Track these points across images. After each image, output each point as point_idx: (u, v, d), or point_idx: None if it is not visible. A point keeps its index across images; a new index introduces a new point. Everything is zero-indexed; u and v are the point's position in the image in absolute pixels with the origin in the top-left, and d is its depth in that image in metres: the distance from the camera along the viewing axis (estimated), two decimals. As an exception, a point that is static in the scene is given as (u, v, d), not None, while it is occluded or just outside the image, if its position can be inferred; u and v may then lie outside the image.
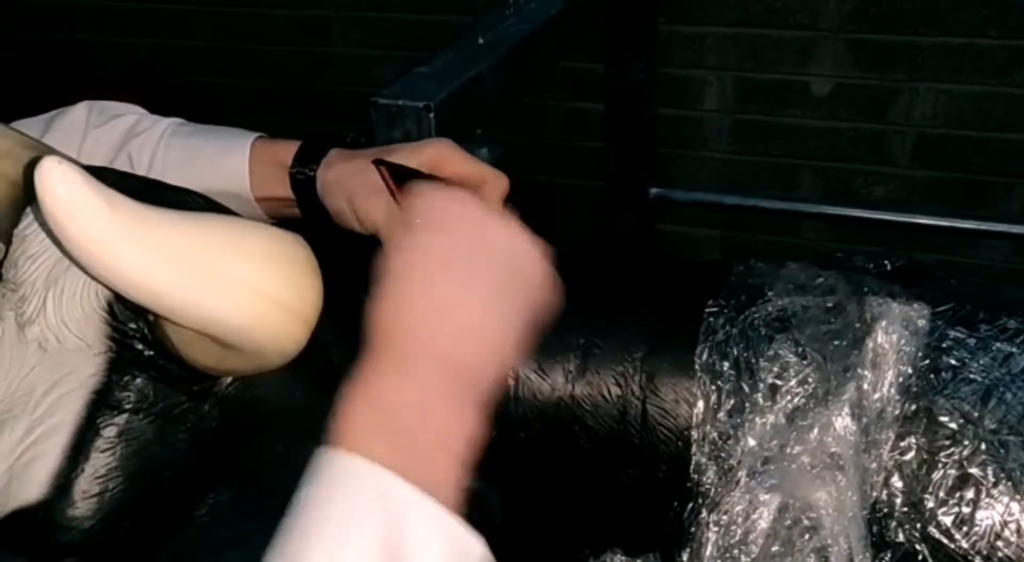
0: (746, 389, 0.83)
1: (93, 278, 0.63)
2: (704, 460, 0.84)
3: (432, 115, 1.49)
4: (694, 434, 0.84)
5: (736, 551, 0.80)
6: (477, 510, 0.69)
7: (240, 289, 0.61)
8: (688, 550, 0.82)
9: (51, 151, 0.85)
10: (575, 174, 2.86)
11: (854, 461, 0.78)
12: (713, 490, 0.83)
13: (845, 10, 2.45)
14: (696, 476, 0.84)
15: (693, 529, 0.82)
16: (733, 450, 0.82)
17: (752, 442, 0.82)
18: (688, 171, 2.75)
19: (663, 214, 2.77)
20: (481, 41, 1.78)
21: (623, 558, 0.85)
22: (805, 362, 0.82)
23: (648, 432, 0.86)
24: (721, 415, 0.84)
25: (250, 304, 0.61)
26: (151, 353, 0.70)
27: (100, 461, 0.70)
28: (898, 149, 2.57)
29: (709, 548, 0.81)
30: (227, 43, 3.10)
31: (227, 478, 0.75)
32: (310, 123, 3.10)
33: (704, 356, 0.86)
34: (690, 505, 0.83)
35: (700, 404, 0.85)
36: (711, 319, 0.87)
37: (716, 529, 0.81)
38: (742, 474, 0.82)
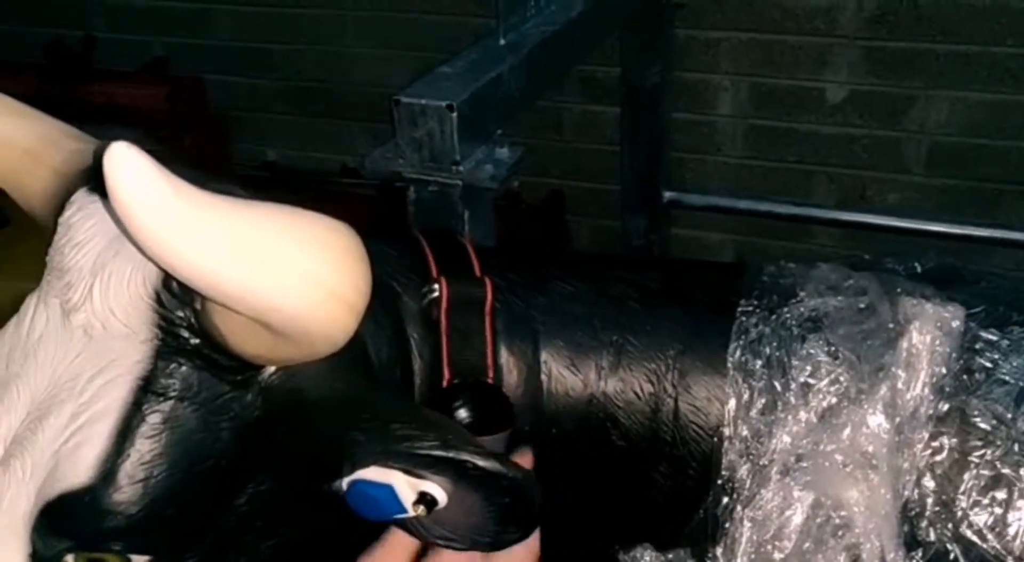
0: (778, 388, 0.84)
1: (153, 262, 0.64)
2: (736, 458, 0.84)
3: (454, 114, 1.50)
4: (726, 432, 0.85)
5: (769, 547, 0.81)
6: (520, 501, 0.70)
7: (295, 276, 0.61)
8: (722, 546, 0.82)
9: (94, 141, 0.85)
10: (589, 177, 2.87)
11: (887, 460, 0.79)
12: (745, 487, 0.83)
13: (862, 17, 2.46)
14: (728, 473, 0.84)
15: (727, 525, 0.83)
16: (765, 448, 0.82)
17: (785, 440, 0.83)
18: (702, 175, 2.76)
19: (677, 218, 2.78)
20: (502, 42, 1.79)
21: (653, 554, 0.85)
22: (837, 361, 0.83)
23: (680, 429, 0.87)
24: (753, 413, 0.84)
25: (304, 291, 0.62)
26: (197, 341, 0.71)
27: (145, 447, 0.71)
28: (913, 156, 2.58)
29: (743, 544, 0.81)
30: (242, 41, 3.11)
31: (268, 468, 0.76)
32: (324, 122, 3.11)
33: (737, 355, 0.86)
34: (724, 501, 0.84)
35: (732, 402, 0.85)
36: (744, 318, 0.88)
37: (749, 525, 0.82)
38: (774, 471, 0.83)
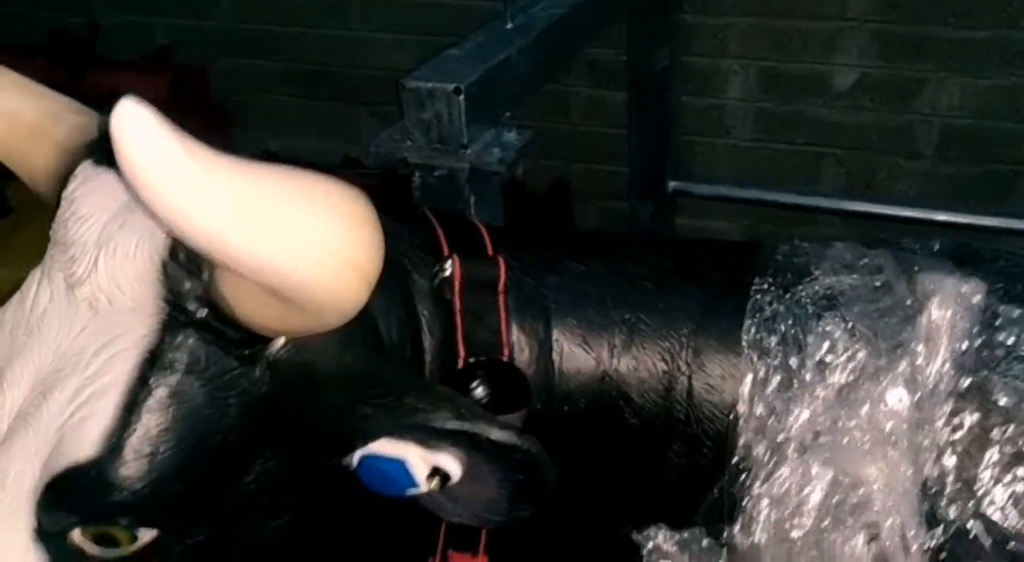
0: (794, 365, 0.83)
1: (159, 223, 0.62)
2: (752, 436, 0.83)
3: (462, 97, 1.48)
4: (741, 410, 0.84)
5: (787, 525, 0.80)
6: (534, 476, 0.68)
7: (306, 240, 0.60)
8: (738, 524, 0.81)
9: (97, 116, 0.84)
10: (597, 160, 2.85)
11: (906, 437, 0.77)
12: (762, 465, 0.82)
13: (872, 0, 2.44)
14: (744, 452, 0.83)
15: (744, 503, 0.81)
16: (782, 425, 0.81)
17: (802, 417, 0.81)
18: (711, 159, 2.74)
19: (683, 207, 2.77)
20: (510, 25, 1.77)
21: (667, 533, 0.84)
22: (854, 338, 0.82)
23: (694, 408, 0.86)
24: (769, 391, 0.83)
25: (315, 256, 0.60)
26: (204, 314, 0.70)
27: (152, 421, 0.69)
28: (923, 140, 2.56)
29: (760, 522, 0.80)
30: (246, 24, 3.09)
31: (276, 444, 0.74)
32: (329, 106, 3.10)
33: (751, 333, 0.85)
34: (740, 479, 0.83)
35: (748, 380, 0.84)
36: (758, 296, 0.86)
37: (767, 503, 0.81)
38: (791, 449, 0.81)
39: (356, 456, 0.72)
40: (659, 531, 0.84)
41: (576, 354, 0.87)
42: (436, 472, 0.70)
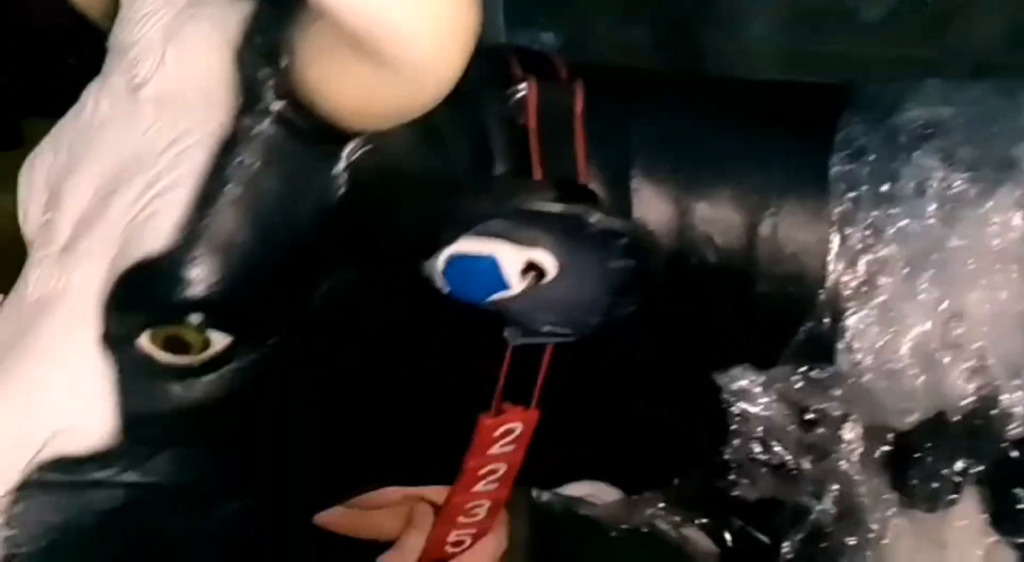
0: (887, 192, 0.78)
1: None
2: (842, 268, 0.79)
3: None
4: (832, 242, 0.80)
5: (882, 359, 0.76)
6: (640, 262, 0.64)
7: None
8: (828, 361, 0.77)
9: None
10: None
11: (1017, 259, 0.73)
12: (853, 301, 0.78)
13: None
14: (833, 287, 0.79)
15: (834, 340, 0.78)
16: (875, 256, 0.77)
17: (895, 248, 0.77)
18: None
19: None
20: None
21: (752, 373, 0.80)
22: (955, 163, 0.77)
23: (780, 244, 0.81)
24: (860, 222, 0.79)
25: (428, 7, 0.56)
26: (281, 105, 0.66)
27: (226, 214, 0.65)
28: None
29: (852, 356, 0.76)
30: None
31: (350, 255, 0.70)
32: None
33: (841, 165, 0.81)
34: (829, 316, 0.78)
35: (837, 211, 0.80)
36: (847, 129, 0.82)
37: (858, 339, 0.77)
38: (886, 280, 0.77)
39: (442, 257, 0.68)
40: (744, 370, 0.80)
41: (655, 191, 0.83)
42: (531, 268, 0.66)
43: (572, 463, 0.95)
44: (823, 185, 0.81)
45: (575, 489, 1.02)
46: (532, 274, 0.65)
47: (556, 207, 0.64)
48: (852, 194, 0.79)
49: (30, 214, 0.74)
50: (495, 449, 0.86)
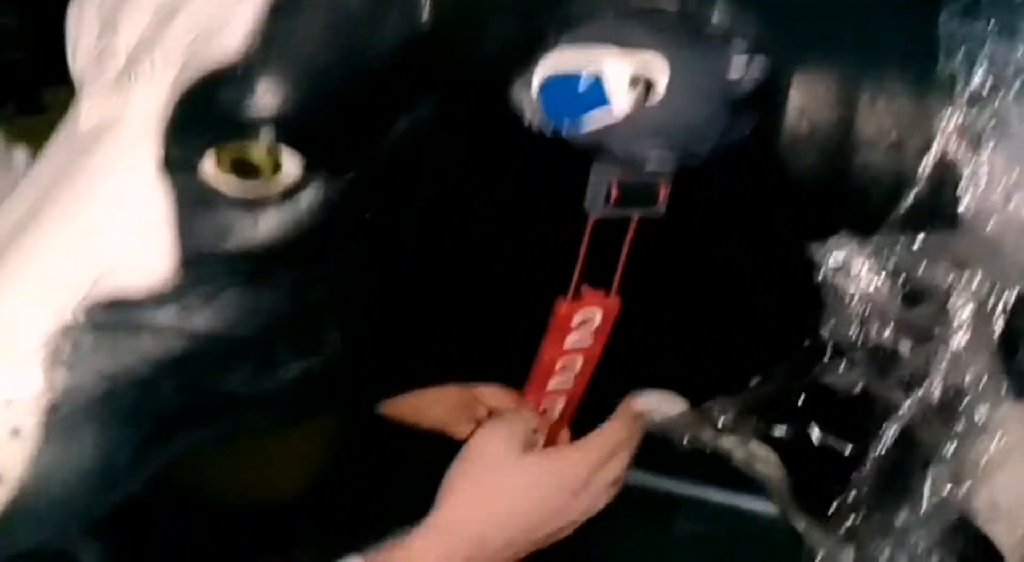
0: (1006, 51, 0.72)
1: None
2: (954, 136, 0.73)
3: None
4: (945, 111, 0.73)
5: (995, 226, 0.70)
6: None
7: None
8: (931, 227, 0.71)
9: None
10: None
11: None
12: (963, 167, 0.72)
13: None
14: (942, 152, 0.73)
15: (940, 206, 0.72)
16: (995, 110, 0.71)
17: (1014, 110, 0.71)
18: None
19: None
20: None
21: (852, 242, 0.74)
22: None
23: (885, 115, 0.75)
24: (976, 81, 0.73)
25: None
26: None
27: (303, 22, 0.59)
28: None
29: (964, 222, 0.70)
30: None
31: (432, 90, 0.64)
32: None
33: (950, 21, 0.75)
34: (933, 185, 0.73)
35: (948, 70, 0.74)
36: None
37: (972, 204, 0.71)
38: (997, 146, 0.71)
39: (537, 77, 0.62)
40: (844, 239, 0.73)
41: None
42: (638, 81, 0.59)
43: (646, 365, 0.88)
44: (930, 44, 0.76)
45: (642, 401, 0.95)
46: (641, 84, 0.59)
47: (673, 3, 0.57)
48: (965, 51, 0.73)
49: (80, 49, 0.68)
50: (571, 339, 0.80)
